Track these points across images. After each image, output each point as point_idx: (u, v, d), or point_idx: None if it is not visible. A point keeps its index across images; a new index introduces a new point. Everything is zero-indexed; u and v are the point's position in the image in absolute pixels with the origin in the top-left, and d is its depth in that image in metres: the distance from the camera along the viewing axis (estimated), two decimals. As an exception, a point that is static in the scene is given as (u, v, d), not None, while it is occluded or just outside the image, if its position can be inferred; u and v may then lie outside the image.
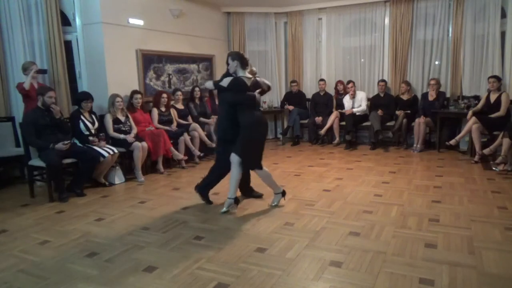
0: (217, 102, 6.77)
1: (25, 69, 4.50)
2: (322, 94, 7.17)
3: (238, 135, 3.52)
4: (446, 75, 6.52)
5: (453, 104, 6.16)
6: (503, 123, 4.97)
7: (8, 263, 2.68)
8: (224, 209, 3.58)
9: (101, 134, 4.61)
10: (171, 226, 3.29)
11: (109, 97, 4.95)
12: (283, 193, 3.79)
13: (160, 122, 5.56)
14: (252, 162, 3.60)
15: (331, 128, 6.88)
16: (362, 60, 7.22)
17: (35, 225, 3.40)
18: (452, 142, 5.47)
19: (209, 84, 3.83)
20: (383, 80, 6.77)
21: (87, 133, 4.56)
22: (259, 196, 4.03)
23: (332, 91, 7.28)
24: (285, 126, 7.54)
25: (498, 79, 5.39)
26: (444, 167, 5.12)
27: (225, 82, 3.49)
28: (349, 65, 7.33)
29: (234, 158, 3.52)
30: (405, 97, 6.60)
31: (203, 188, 3.90)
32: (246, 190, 4.06)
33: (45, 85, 4.69)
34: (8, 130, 4.81)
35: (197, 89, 6.35)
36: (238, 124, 3.53)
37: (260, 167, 3.65)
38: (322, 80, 7.19)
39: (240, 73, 3.53)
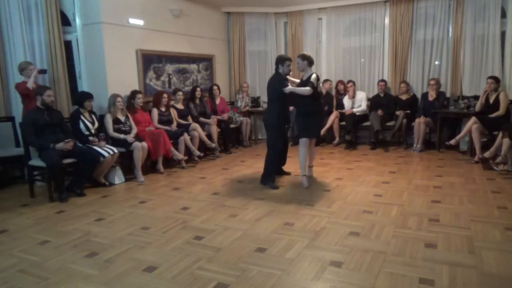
0: (217, 102, 6.83)
1: (22, 69, 4.50)
2: (324, 94, 7.15)
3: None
4: (446, 75, 6.52)
5: (453, 104, 6.16)
6: (503, 123, 4.98)
7: (8, 263, 2.68)
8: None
9: (101, 134, 4.61)
10: (171, 226, 3.29)
11: (110, 97, 4.95)
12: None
13: (160, 122, 5.56)
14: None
15: (331, 128, 6.88)
16: (362, 60, 7.21)
17: (35, 225, 3.41)
18: (452, 142, 5.47)
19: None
20: (383, 80, 6.77)
21: (87, 133, 4.57)
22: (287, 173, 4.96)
23: (332, 91, 7.28)
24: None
25: (496, 80, 5.40)
26: (444, 167, 5.12)
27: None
28: (349, 65, 7.33)
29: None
30: (404, 97, 6.60)
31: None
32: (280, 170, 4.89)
33: (42, 85, 4.68)
34: (8, 130, 4.81)
35: (198, 89, 6.36)
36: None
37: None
38: (328, 80, 7.17)
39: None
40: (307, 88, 4.26)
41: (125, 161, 5.06)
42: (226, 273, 2.45)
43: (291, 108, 5.18)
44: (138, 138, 4.97)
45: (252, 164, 5.66)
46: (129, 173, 4.98)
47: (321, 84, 5.44)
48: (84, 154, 4.25)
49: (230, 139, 6.78)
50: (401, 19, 6.65)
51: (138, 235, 3.12)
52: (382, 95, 6.78)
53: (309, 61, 4.38)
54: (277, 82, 4.41)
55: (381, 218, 3.33)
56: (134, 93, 5.29)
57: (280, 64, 4.45)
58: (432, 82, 6.25)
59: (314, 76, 4.28)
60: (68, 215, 3.67)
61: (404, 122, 6.37)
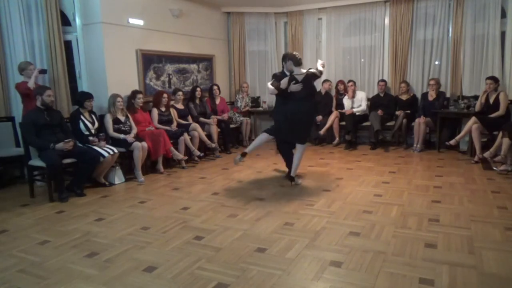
0: (217, 102, 6.84)
1: (22, 69, 4.50)
2: (323, 93, 7.15)
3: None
4: (446, 75, 6.52)
5: (453, 104, 6.16)
6: (503, 123, 4.97)
7: (8, 263, 2.68)
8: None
9: (101, 134, 4.61)
10: (171, 226, 3.29)
11: (110, 97, 4.95)
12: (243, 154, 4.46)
13: (160, 122, 5.56)
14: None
15: (331, 128, 6.88)
16: (362, 60, 7.21)
17: (35, 225, 3.41)
18: (452, 142, 5.47)
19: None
20: (383, 80, 6.77)
21: (87, 133, 4.57)
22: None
23: (332, 91, 7.28)
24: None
25: (495, 80, 5.39)
26: (444, 167, 5.12)
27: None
28: (349, 65, 7.33)
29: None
30: (404, 97, 6.61)
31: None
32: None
33: (42, 85, 4.67)
34: (8, 130, 4.81)
35: (198, 89, 6.37)
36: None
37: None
38: (328, 80, 7.18)
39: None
40: (271, 87, 4.32)
41: (125, 161, 5.06)
42: (226, 273, 2.45)
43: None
44: (138, 138, 4.97)
45: (252, 164, 5.66)
46: (129, 173, 4.98)
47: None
48: (84, 154, 4.25)
49: (230, 139, 6.78)
50: (401, 19, 6.65)
51: (138, 235, 3.12)
52: (382, 95, 6.78)
53: (293, 61, 4.31)
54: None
55: (381, 218, 3.33)
56: (134, 93, 5.29)
57: (283, 61, 4.48)
58: (432, 82, 6.25)
59: (285, 79, 4.22)
60: (68, 215, 3.67)
61: (404, 122, 6.37)
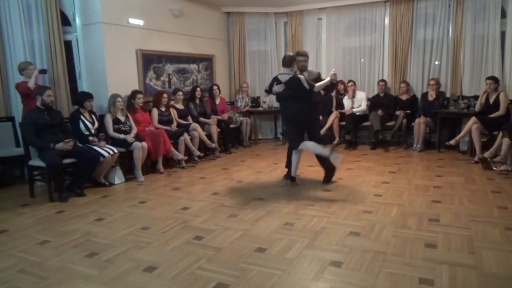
0: (217, 102, 6.84)
1: (22, 69, 4.50)
2: (322, 93, 7.14)
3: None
4: (446, 75, 6.52)
5: (453, 104, 6.16)
6: (503, 123, 4.97)
7: (8, 263, 2.68)
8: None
9: (101, 134, 4.61)
10: (171, 226, 3.29)
11: (110, 97, 4.95)
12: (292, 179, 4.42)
13: (160, 122, 5.56)
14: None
15: (331, 128, 6.87)
16: (362, 60, 7.21)
17: (35, 225, 3.41)
18: (452, 142, 5.47)
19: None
20: (383, 80, 6.77)
21: (87, 133, 4.57)
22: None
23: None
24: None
25: (495, 80, 5.39)
26: (444, 167, 5.12)
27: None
28: (349, 65, 7.33)
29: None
30: (404, 97, 6.61)
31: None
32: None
33: (42, 85, 4.67)
34: (8, 130, 4.81)
35: (198, 89, 6.37)
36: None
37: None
38: None
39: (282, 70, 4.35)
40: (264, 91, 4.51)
41: (125, 161, 5.06)
42: (226, 273, 2.45)
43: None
44: (138, 138, 4.97)
45: (252, 164, 5.66)
46: (129, 173, 4.98)
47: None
48: (84, 154, 4.25)
49: (230, 139, 6.78)
50: (401, 19, 6.65)
51: (138, 235, 3.12)
52: (382, 95, 6.78)
53: (282, 61, 4.28)
54: None
55: (381, 218, 3.33)
56: (134, 93, 5.29)
57: None
58: (432, 82, 6.25)
59: (271, 81, 4.38)
60: (68, 215, 3.67)
61: (404, 122, 6.37)
